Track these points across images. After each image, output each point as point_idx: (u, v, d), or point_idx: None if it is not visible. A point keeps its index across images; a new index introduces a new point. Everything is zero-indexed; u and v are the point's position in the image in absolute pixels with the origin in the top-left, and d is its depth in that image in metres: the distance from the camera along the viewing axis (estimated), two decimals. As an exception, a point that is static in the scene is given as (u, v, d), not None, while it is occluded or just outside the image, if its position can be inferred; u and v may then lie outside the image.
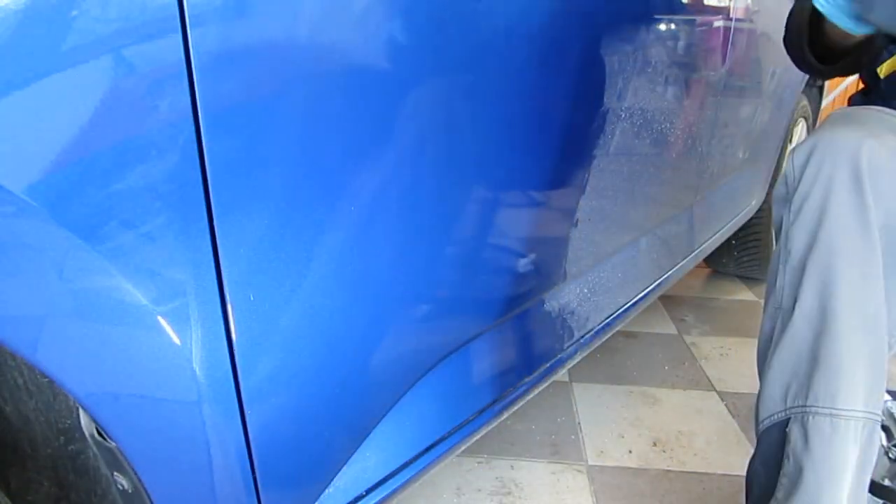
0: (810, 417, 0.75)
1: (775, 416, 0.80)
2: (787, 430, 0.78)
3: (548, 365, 1.08)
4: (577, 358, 1.18)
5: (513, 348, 1.01)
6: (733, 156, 1.79)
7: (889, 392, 1.04)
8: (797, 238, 0.76)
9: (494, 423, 0.99)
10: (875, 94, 0.96)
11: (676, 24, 1.29)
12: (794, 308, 0.76)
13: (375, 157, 0.66)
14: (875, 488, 0.93)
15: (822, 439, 0.74)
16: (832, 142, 0.73)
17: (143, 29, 0.45)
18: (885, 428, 1.04)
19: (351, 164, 0.64)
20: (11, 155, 0.40)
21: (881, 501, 0.95)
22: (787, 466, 0.78)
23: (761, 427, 0.83)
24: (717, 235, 1.82)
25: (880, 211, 0.71)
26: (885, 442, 1.02)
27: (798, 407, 0.77)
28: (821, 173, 0.73)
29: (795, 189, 0.76)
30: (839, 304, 0.73)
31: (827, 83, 2.53)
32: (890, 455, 0.99)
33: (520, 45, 0.84)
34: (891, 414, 1.05)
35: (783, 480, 0.78)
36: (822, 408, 0.74)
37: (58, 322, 0.45)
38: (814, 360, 0.75)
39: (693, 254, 1.69)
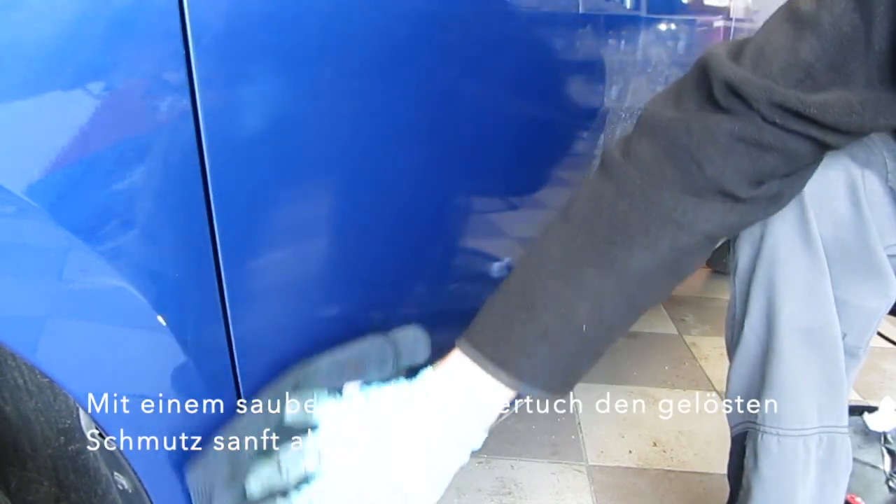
0: (760, 435, 0.73)
1: (737, 427, 0.78)
2: (745, 442, 0.77)
3: (548, 365, 1.07)
4: (577, 358, 1.18)
5: (513, 348, 1.01)
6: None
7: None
8: (742, 250, 0.73)
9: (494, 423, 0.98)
10: None
11: (676, 24, 1.29)
12: (744, 322, 0.74)
13: (375, 156, 0.66)
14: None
15: (771, 459, 0.73)
16: None
17: (144, 28, 0.45)
18: (891, 452, 1.01)
19: (351, 163, 0.64)
20: (11, 155, 0.40)
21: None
22: (744, 479, 0.77)
23: (732, 431, 0.81)
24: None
25: (826, 224, 0.68)
26: (887, 468, 0.98)
27: (751, 423, 0.75)
28: None
29: None
30: (783, 322, 0.70)
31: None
32: (891, 484, 0.97)
33: (514, 38, 0.84)
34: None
35: (741, 493, 0.77)
36: (770, 427, 0.72)
37: (58, 322, 0.45)
38: (762, 378, 0.73)
39: (693, 254, 1.68)
